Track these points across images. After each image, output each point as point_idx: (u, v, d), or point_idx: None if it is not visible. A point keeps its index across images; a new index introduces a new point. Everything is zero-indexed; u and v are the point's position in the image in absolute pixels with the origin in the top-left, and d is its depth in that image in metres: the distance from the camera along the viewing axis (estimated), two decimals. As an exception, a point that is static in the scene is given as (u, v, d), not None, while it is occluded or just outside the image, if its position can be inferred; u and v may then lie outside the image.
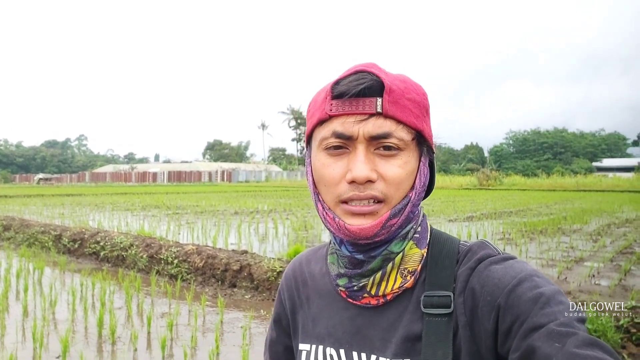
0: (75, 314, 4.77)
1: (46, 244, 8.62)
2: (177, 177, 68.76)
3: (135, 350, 3.86)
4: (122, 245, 7.26)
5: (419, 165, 0.72)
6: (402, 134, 0.68)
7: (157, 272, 6.48)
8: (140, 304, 5.09)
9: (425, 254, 0.73)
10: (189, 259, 6.27)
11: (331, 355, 0.75)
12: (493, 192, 31.56)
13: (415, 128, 0.69)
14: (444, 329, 0.66)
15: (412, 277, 0.71)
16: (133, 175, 70.52)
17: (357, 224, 0.67)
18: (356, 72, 0.69)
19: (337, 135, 0.68)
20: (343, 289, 0.75)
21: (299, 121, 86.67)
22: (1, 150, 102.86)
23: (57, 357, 3.63)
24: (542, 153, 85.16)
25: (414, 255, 0.72)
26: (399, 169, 0.68)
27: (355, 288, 0.73)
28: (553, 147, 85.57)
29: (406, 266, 0.72)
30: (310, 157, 0.75)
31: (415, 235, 0.73)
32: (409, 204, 0.70)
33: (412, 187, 0.71)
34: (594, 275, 5.92)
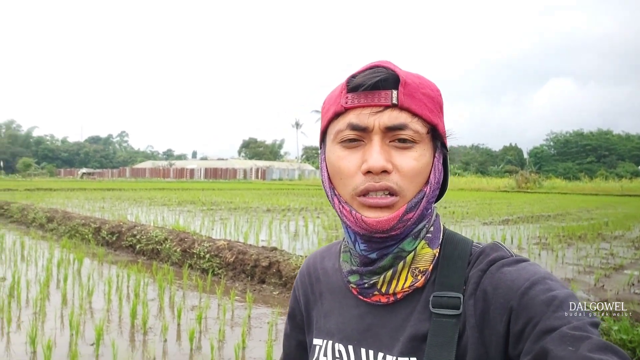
0: (111, 304, 4.95)
1: (86, 236, 8.96)
2: (213, 174, 70.10)
3: (165, 341, 3.97)
4: (157, 239, 7.48)
5: (433, 160, 0.72)
6: (417, 127, 0.68)
7: (190, 265, 6.64)
8: (172, 297, 5.23)
9: (437, 254, 0.73)
10: (220, 254, 6.39)
11: (339, 351, 0.76)
12: (532, 195, 30.64)
13: (430, 122, 0.70)
14: (450, 330, 0.66)
15: (423, 277, 0.71)
16: (171, 171, 72.37)
17: (374, 216, 0.68)
18: (371, 67, 0.70)
19: (353, 127, 0.69)
20: (354, 286, 0.76)
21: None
22: (47, 146, 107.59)
23: (92, 345, 3.77)
24: (585, 155, 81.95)
25: (426, 254, 0.72)
26: (414, 161, 0.68)
27: (366, 285, 0.73)
28: (597, 150, 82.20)
29: (417, 265, 0.71)
30: (324, 153, 0.76)
31: (427, 235, 0.73)
32: (424, 199, 0.70)
33: (427, 182, 0.71)
34: (633, 284, 5.68)
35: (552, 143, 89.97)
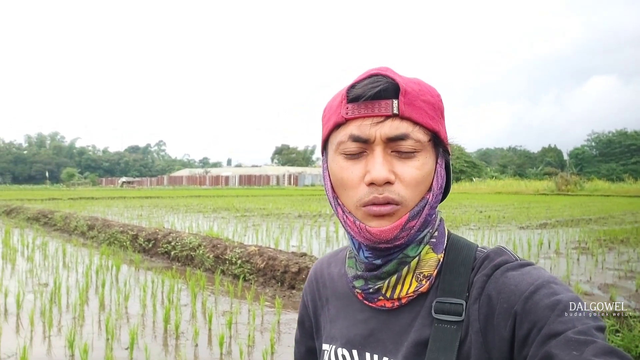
0: (145, 309, 5.09)
1: (124, 243, 9.25)
2: (247, 180, 71.10)
3: (197, 345, 4.05)
4: (191, 246, 7.64)
5: (435, 167, 0.72)
6: (419, 135, 0.68)
7: (222, 271, 6.75)
8: (204, 302, 5.33)
9: (441, 259, 0.73)
10: (251, 260, 6.48)
11: (343, 356, 0.77)
12: (572, 198, 29.58)
13: (431, 129, 0.70)
14: (451, 336, 0.66)
15: (428, 282, 0.71)
16: (207, 179, 73.87)
17: (376, 225, 0.68)
18: (370, 76, 0.70)
19: (354, 139, 0.69)
20: (359, 291, 0.76)
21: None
22: (90, 156, 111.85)
23: (126, 349, 3.89)
24: (630, 156, 78.29)
25: (430, 260, 0.72)
26: (417, 170, 0.69)
27: (370, 290, 0.74)
28: (642, 149, 78.49)
29: (422, 271, 0.72)
30: (327, 162, 0.76)
31: (431, 240, 0.73)
32: (427, 206, 0.70)
33: (430, 189, 0.71)
34: (679, 290, 5.39)
35: (593, 143, 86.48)
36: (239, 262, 6.55)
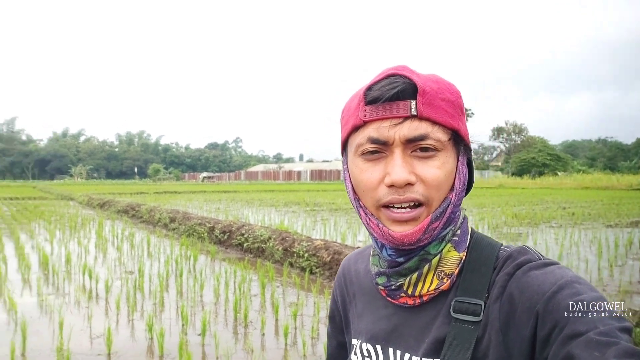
0: (218, 297, 5.37)
1: (202, 235, 9.79)
2: (318, 175, 72.06)
3: (263, 335, 4.21)
4: (261, 238, 7.93)
5: (457, 165, 0.71)
6: (438, 135, 0.68)
7: (290, 264, 6.94)
8: (273, 293, 5.51)
9: (463, 258, 0.73)
10: (317, 254, 6.59)
11: (368, 351, 0.79)
12: (673, 194, 26.78)
13: (451, 128, 0.69)
14: (467, 335, 0.67)
15: (449, 280, 0.71)
16: (280, 174, 75.88)
17: (400, 230, 0.69)
18: (388, 76, 0.69)
19: (373, 141, 0.69)
20: (382, 288, 0.77)
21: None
22: (173, 152, 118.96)
23: (199, 334, 4.14)
24: None
25: (452, 258, 0.72)
26: (438, 170, 0.68)
27: (393, 287, 0.75)
28: None
29: (443, 268, 0.72)
30: (347, 163, 0.77)
31: (453, 238, 0.73)
32: (450, 206, 0.70)
33: (452, 188, 0.71)
34: None
35: (700, 133, 77.47)
36: (306, 255, 6.70)
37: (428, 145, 0.67)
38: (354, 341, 0.84)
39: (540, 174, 54.92)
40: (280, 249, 7.32)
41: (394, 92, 0.67)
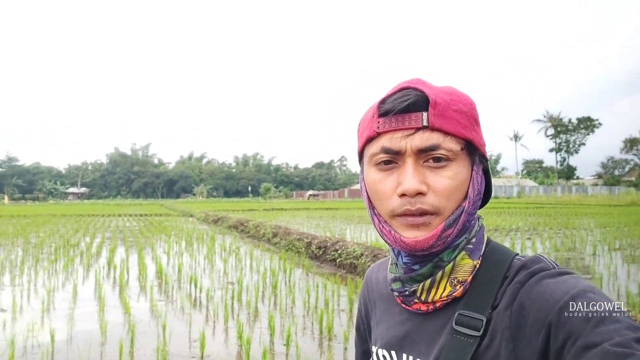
0: (308, 310, 5.52)
1: (299, 249, 10.13)
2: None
3: (346, 349, 4.24)
4: (354, 254, 7.99)
5: (471, 174, 0.73)
6: (450, 145, 0.69)
7: (381, 281, 6.87)
8: (360, 309, 5.52)
9: (477, 265, 0.73)
10: (409, 271, 6.47)
11: (384, 356, 0.81)
12: None
13: (463, 138, 0.71)
14: (465, 349, 0.67)
15: (462, 287, 0.72)
16: (384, 191, 75.31)
17: (412, 236, 0.70)
18: (401, 89, 0.72)
19: (386, 151, 0.71)
20: (397, 294, 0.79)
21: (558, 129, 77.29)
22: (283, 172, 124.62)
23: (284, 345, 4.29)
24: None
25: (465, 265, 0.73)
26: (449, 180, 0.69)
27: (407, 293, 0.76)
28: None
29: (456, 276, 0.72)
30: (363, 173, 0.80)
31: (468, 246, 0.74)
32: (463, 214, 0.71)
33: (466, 197, 0.72)
34: None
35: None
36: (397, 272, 6.60)
37: (440, 155, 0.69)
38: (373, 348, 0.86)
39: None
40: (370, 265, 7.30)
41: (406, 104, 0.69)
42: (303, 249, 10.01)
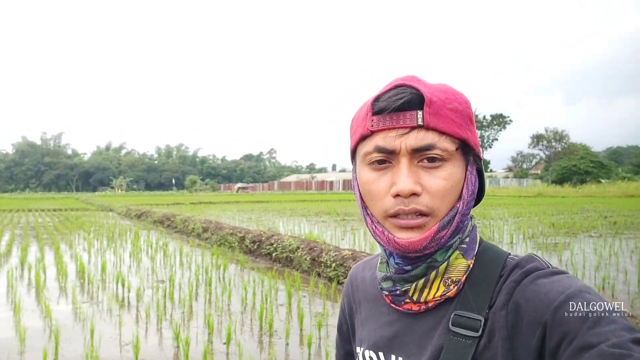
0: (245, 306, 5.42)
1: (232, 244, 9.92)
2: (350, 185, 71.68)
3: (287, 344, 4.21)
4: (290, 248, 7.96)
5: (465, 174, 0.71)
6: (445, 145, 0.68)
7: (317, 274, 6.93)
8: (299, 303, 5.51)
9: (471, 265, 0.72)
10: (345, 264, 6.56)
11: (371, 358, 0.79)
12: None
13: (458, 137, 0.69)
14: (463, 350, 0.66)
15: (455, 287, 0.71)
16: (313, 184, 76.16)
17: (406, 237, 0.69)
18: (395, 87, 0.70)
19: (380, 150, 0.69)
20: (387, 293, 0.77)
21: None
22: (210, 164, 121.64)
23: (224, 343, 4.18)
24: None
25: (459, 265, 0.72)
26: (444, 180, 0.68)
27: (398, 292, 0.74)
28: None
29: (450, 275, 0.71)
30: (355, 172, 0.78)
31: (461, 246, 0.73)
32: (457, 215, 0.70)
33: (460, 198, 0.71)
34: None
35: None
36: (333, 265, 6.68)
37: (435, 155, 0.67)
38: (357, 349, 0.84)
39: (582, 182, 52.92)
40: (308, 258, 7.33)
41: (401, 103, 0.67)
42: (236, 243, 9.82)
